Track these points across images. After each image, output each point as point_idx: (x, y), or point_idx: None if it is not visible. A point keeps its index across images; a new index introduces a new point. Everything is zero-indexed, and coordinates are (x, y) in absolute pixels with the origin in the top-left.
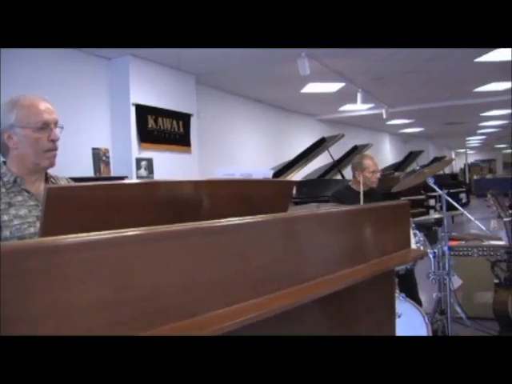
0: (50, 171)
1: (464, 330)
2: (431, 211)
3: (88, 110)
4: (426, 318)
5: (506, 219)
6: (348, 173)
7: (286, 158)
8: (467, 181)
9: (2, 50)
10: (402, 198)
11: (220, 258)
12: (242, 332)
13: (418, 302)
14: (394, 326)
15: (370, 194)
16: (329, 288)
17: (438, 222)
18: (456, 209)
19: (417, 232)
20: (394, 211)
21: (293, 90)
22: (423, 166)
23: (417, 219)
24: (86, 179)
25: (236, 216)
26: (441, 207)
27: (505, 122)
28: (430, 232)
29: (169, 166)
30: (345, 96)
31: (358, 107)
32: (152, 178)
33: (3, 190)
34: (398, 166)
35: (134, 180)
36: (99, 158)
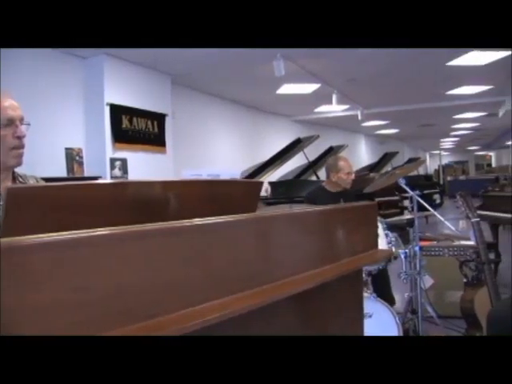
0: (20, 170)
1: (434, 328)
2: (405, 212)
3: (61, 110)
4: (397, 318)
5: (473, 220)
6: (323, 174)
7: (262, 159)
8: (441, 182)
9: None
10: (377, 199)
11: (182, 258)
12: (211, 331)
13: (392, 301)
14: (362, 326)
15: (344, 195)
16: (295, 288)
17: (411, 223)
18: (429, 209)
19: (388, 232)
20: (362, 212)
21: (268, 91)
22: (394, 168)
23: (389, 220)
24: (58, 179)
25: (204, 217)
26: (412, 208)
27: (476, 124)
28: (403, 232)
29: (143, 166)
30: (320, 97)
31: (334, 108)
32: (126, 178)
33: None
34: (373, 167)
35: (101, 180)
36: (72, 157)
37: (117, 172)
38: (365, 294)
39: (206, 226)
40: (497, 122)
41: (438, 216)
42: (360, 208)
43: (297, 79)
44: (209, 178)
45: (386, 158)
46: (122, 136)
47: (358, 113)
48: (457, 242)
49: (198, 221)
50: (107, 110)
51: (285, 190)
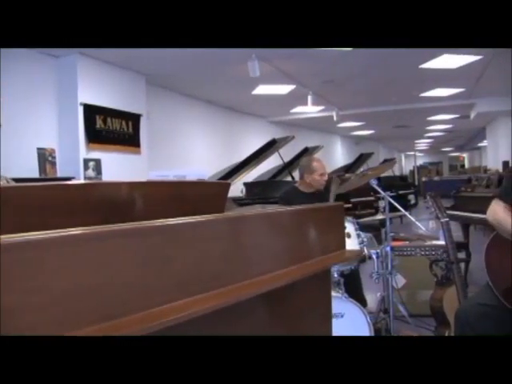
0: None
1: (406, 327)
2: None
3: (34, 109)
4: (369, 318)
5: (442, 220)
6: (298, 175)
7: (238, 160)
8: (416, 182)
9: None
10: (352, 200)
11: (142, 259)
12: (177, 331)
13: (363, 301)
14: (330, 325)
15: (318, 196)
16: (261, 288)
17: (384, 223)
18: (403, 209)
19: (360, 233)
20: (329, 213)
21: (244, 92)
22: (369, 169)
23: (361, 220)
24: (30, 180)
25: (171, 217)
26: (384, 208)
27: (449, 126)
28: (378, 233)
29: (118, 166)
30: (296, 98)
31: (309, 109)
32: (100, 178)
33: None
34: (348, 168)
35: (68, 181)
36: (45, 158)
37: (90, 173)
38: (336, 294)
39: (166, 226)
40: (469, 123)
41: (409, 216)
42: (327, 209)
43: (272, 80)
44: (175, 178)
45: (361, 158)
46: (95, 136)
47: (334, 114)
48: (428, 242)
49: (158, 222)
50: (81, 109)
51: (260, 191)
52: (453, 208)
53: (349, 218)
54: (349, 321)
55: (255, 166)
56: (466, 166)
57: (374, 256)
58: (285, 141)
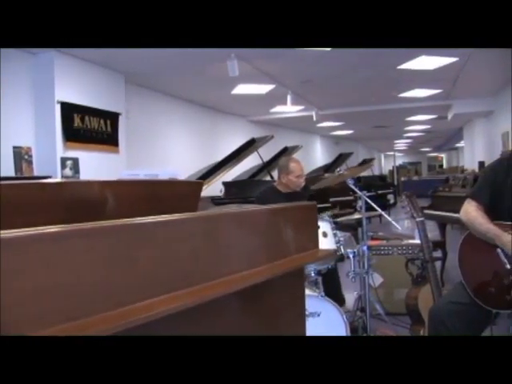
0: None
1: (382, 325)
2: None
3: (9, 107)
4: (345, 316)
5: (418, 219)
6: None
7: (218, 159)
8: (395, 182)
9: None
10: (331, 199)
11: (107, 259)
12: (146, 331)
13: (341, 299)
14: (304, 325)
15: (296, 196)
16: (230, 288)
17: (360, 223)
18: (382, 209)
19: (337, 232)
20: (302, 212)
21: (223, 91)
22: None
23: (338, 219)
24: (5, 179)
25: (143, 216)
26: (360, 208)
27: (428, 126)
28: (357, 232)
29: (96, 165)
30: (275, 98)
31: (289, 109)
32: (78, 177)
33: None
34: (328, 168)
35: (38, 180)
36: (21, 156)
37: (68, 172)
38: (313, 293)
39: (131, 225)
40: (446, 124)
41: (385, 216)
42: (300, 208)
43: (252, 79)
44: (147, 178)
45: (340, 158)
46: (73, 135)
47: (313, 114)
48: (405, 241)
49: (122, 221)
50: (58, 108)
51: (238, 190)
52: (430, 207)
53: (325, 218)
54: (325, 320)
55: (234, 165)
56: (444, 166)
57: (351, 255)
58: (264, 140)
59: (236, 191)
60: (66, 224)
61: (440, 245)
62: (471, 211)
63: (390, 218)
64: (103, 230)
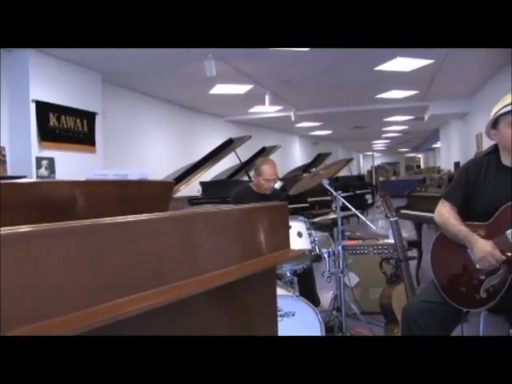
0: None
1: (358, 324)
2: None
3: None
4: (320, 316)
5: (392, 219)
6: None
7: (196, 159)
8: (373, 182)
9: None
10: (309, 199)
11: (73, 259)
12: (115, 331)
13: (316, 300)
14: (276, 325)
15: (272, 196)
16: (199, 287)
17: (335, 223)
18: (360, 209)
19: (312, 232)
20: (273, 212)
21: (201, 91)
22: (316, 170)
23: (314, 220)
24: None
25: (114, 217)
26: (336, 208)
27: (405, 127)
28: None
29: (72, 165)
30: (253, 98)
31: (267, 109)
32: (54, 177)
33: None
34: (306, 168)
35: (9, 180)
36: None
37: (43, 172)
38: (288, 293)
39: (100, 225)
40: (423, 125)
41: (360, 216)
42: (271, 208)
43: (229, 80)
44: (116, 178)
45: (319, 158)
46: (49, 134)
47: (291, 114)
48: (381, 241)
49: (88, 221)
50: (33, 106)
51: (216, 190)
52: (406, 207)
53: (300, 218)
54: (300, 320)
55: (212, 165)
56: (422, 166)
57: (326, 255)
58: (241, 140)
59: (213, 191)
60: (37, 224)
61: (416, 244)
62: (444, 212)
63: (364, 218)
64: (71, 230)
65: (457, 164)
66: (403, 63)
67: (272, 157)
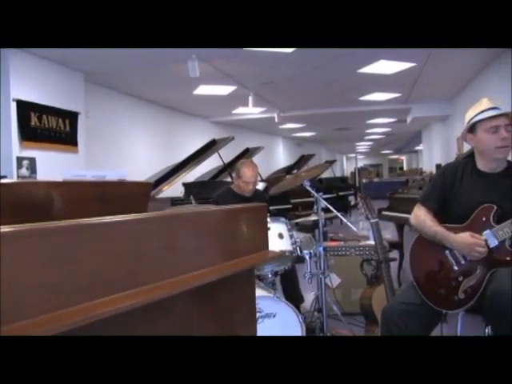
0: None
1: (339, 325)
2: (322, 213)
3: None
4: (301, 317)
5: (372, 220)
6: None
7: (179, 160)
8: (357, 184)
9: None
10: (292, 201)
11: (48, 260)
12: (95, 331)
13: (300, 297)
14: (254, 326)
15: (253, 197)
16: (176, 288)
17: (317, 224)
18: (343, 210)
19: (293, 233)
20: (251, 214)
21: (185, 92)
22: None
23: (297, 220)
24: None
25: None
26: (317, 209)
27: (388, 129)
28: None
29: (54, 165)
30: (237, 99)
31: (250, 110)
32: (35, 178)
33: None
34: (289, 169)
35: None
36: None
37: (24, 172)
38: (268, 295)
39: (76, 226)
40: (406, 127)
41: (340, 217)
42: (249, 210)
43: (213, 80)
44: (93, 179)
45: (302, 160)
46: (30, 134)
47: (275, 115)
48: (362, 242)
49: (67, 222)
50: (14, 106)
51: (199, 191)
52: (388, 209)
53: (281, 219)
54: (281, 320)
55: (195, 166)
56: (405, 168)
57: (307, 256)
58: (224, 141)
59: (196, 192)
60: (11, 225)
61: (397, 246)
62: (420, 215)
63: (345, 220)
64: (47, 231)
65: (438, 166)
66: (386, 66)
67: (255, 158)
